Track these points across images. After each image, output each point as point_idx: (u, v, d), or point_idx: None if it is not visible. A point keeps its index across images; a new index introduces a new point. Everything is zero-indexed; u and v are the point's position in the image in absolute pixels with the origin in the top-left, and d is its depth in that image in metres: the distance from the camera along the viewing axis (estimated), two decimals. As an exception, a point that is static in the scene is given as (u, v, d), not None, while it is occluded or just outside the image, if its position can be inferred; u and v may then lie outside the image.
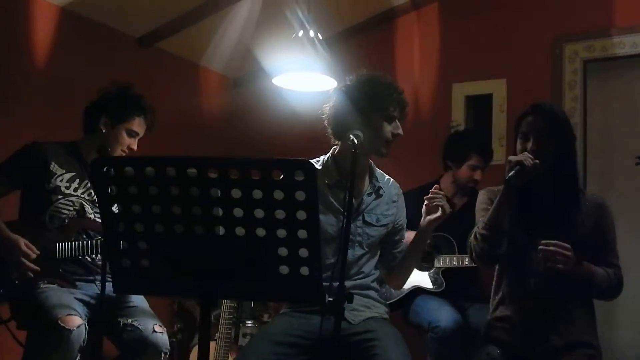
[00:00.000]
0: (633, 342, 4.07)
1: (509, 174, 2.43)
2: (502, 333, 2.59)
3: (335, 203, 2.71)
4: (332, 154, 2.80)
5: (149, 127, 3.11)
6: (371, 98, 2.65)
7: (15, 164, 2.97)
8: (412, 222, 2.84)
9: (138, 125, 3.07)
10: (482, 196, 2.69)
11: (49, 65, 3.96)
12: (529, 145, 2.51)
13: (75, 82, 3.95)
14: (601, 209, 2.61)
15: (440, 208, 2.64)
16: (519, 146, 2.56)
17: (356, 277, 2.70)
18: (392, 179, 2.87)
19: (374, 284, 2.79)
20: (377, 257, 2.81)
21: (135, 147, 3.07)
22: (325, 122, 2.73)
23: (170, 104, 4.20)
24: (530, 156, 2.46)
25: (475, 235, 2.59)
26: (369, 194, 2.76)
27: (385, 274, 2.86)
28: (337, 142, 2.76)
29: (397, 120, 2.72)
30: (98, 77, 3.71)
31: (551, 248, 2.40)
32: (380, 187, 2.79)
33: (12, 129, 3.64)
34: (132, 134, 3.06)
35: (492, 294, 2.73)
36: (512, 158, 2.49)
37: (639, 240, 4.05)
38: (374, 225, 2.75)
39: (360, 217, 2.72)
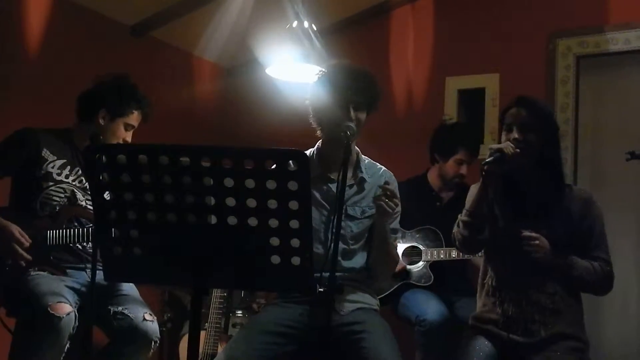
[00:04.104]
0: (620, 337, 4.09)
1: (486, 159, 2.49)
2: (489, 325, 2.61)
3: (317, 197, 2.71)
4: (317, 147, 2.81)
5: (144, 119, 3.13)
6: (343, 86, 2.66)
7: (7, 151, 2.96)
8: None
9: (136, 119, 3.09)
10: (473, 189, 2.71)
11: (41, 52, 3.93)
12: (512, 135, 2.56)
13: (68, 69, 3.93)
14: (588, 202, 2.63)
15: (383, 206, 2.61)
16: (503, 138, 2.61)
17: (345, 273, 2.69)
18: (384, 168, 2.86)
19: (364, 277, 2.80)
20: (367, 252, 2.81)
21: (129, 139, 3.08)
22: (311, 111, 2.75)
23: (163, 93, 4.19)
24: (512, 145, 2.52)
25: (458, 223, 2.65)
26: (350, 186, 2.75)
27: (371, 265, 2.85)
28: (322, 135, 2.77)
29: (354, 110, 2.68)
30: (90, 65, 3.72)
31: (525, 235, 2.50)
32: (363, 179, 2.78)
33: (4, 116, 3.62)
34: (129, 127, 3.08)
35: (478, 286, 2.75)
36: (493, 146, 2.54)
37: (628, 235, 4.08)
38: (358, 218, 2.75)
39: (343, 211, 2.70)
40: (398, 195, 2.66)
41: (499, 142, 2.61)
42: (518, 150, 2.51)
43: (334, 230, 2.61)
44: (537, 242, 2.50)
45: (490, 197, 2.56)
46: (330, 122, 2.69)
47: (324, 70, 2.76)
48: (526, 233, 2.52)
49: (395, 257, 2.87)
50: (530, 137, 2.55)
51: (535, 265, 2.53)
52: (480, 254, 2.93)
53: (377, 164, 2.87)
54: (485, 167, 2.48)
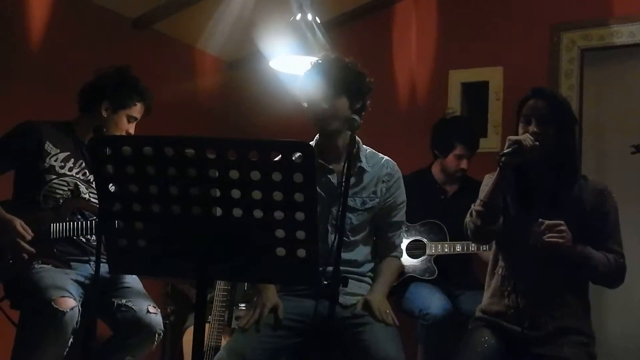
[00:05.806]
0: (623, 332, 4.09)
1: (504, 151, 2.45)
2: (496, 317, 2.60)
3: (317, 188, 2.70)
4: (316, 138, 2.80)
5: (146, 111, 3.12)
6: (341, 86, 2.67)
7: (10, 144, 2.95)
8: None
9: (138, 111, 3.08)
10: (487, 179, 2.68)
11: (44, 46, 3.93)
12: (531, 128, 2.52)
13: (70, 63, 3.93)
14: (602, 194, 2.59)
15: None
16: (520, 130, 2.57)
17: (345, 265, 2.65)
18: (386, 157, 2.84)
19: (368, 271, 2.79)
20: (369, 246, 2.80)
21: (132, 131, 3.08)
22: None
23: (165, 86, 4.18)
24: (531, 137, 2.47)
25: (471, 212, 2.60)
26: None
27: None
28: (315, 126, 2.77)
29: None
30: (93, 58, 3.71)
31: (542, 228, 2.42)
32: (363, 169, 2.76)
33: (6, 109, 3.62)
34: (131, 119, 3.07)
35: (487, 276, 2.73)
36: (511, 137, 2.50)
37: (633, 228, 4.05)
38: (358, 210, 2.73)
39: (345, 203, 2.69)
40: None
41: (512, 134, 2.57)
42: (537, 143, 2.46)
43: (334, 222, 2.62)
44: (562, 228, 2.42)
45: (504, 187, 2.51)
46: (326, 115, 2.68)
47: (316, 62, 2.75)
48: (548, 222, 2.43)
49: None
50: (548, 130, 2.51)
51: (546, 257, 2.48)
52: (486, 247, 2.91)
53: (379, 153, 2.85)
54: (503, 159, 2.44)
